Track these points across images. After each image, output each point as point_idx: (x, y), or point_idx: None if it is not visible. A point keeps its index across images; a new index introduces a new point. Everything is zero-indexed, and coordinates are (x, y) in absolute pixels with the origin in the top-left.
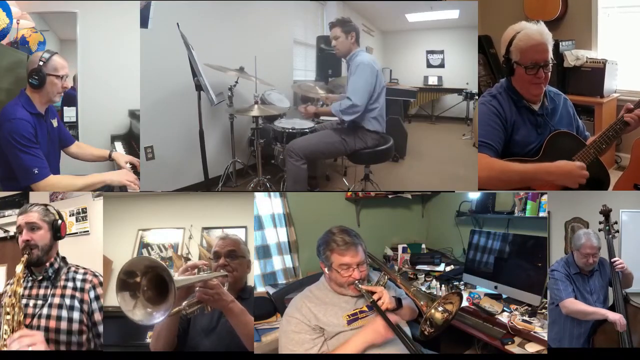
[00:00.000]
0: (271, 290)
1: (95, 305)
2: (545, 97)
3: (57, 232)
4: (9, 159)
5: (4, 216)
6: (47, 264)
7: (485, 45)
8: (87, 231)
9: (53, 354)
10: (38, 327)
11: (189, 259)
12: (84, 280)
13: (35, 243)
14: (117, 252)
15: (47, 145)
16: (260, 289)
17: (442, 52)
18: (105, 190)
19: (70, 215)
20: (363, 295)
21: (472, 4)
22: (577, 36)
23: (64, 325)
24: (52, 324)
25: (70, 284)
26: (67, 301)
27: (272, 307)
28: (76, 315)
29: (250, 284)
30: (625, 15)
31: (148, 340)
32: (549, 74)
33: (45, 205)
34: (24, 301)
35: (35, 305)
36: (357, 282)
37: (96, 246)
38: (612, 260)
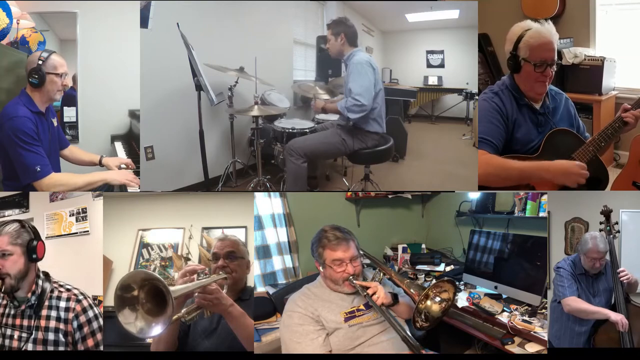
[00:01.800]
0: (271, 290)
1: (78, 335)
2: (547, 96)
3: (33, 253)
4: (11, 157)
5: (3, 216)
6: (29, 294)
7: (483, 44)
8: (87, 231)
9: (53, 354)
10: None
11: (189, 259)
12: (67, 310)
13: (6, 272)
14: (117, 252)
15: (49, 144)
16: (260, 289)
17: (442, 52)
18: (105, 190)
19: (70, 215)
20: (359, 293)
21: (472, 4)
22: (575, 34)
23: None
24: None
25: (53, 314)
26: (51, 336)
27: (272, 307)
28: (61, 349)
29: (250, 284)
30: (623, 13)
31: (148, 340)
32: (553, 72)
33: (20, 222)
34: (8, 331)
35: (20, 339)
36: (351, 277)
37: (96, 246)
38: (618, 271)
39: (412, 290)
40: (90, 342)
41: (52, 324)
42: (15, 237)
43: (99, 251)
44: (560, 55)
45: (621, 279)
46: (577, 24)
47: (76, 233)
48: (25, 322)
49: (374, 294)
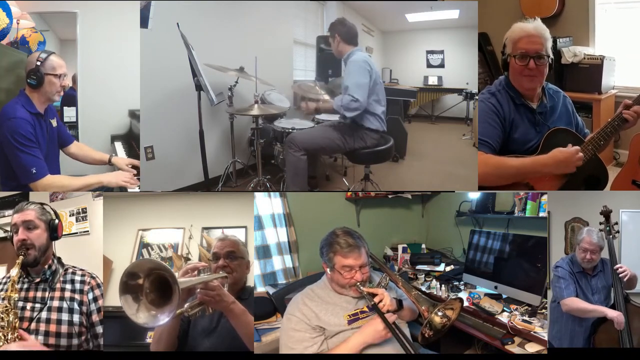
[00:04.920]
0: (271, 290)
1: (93, 306)
2: (544, 95)
3: (54, 232)
4: (9, 158)
5: (4, 216)
6: (45, 266)
7: (482, 43)
8: (87, 231)
9: (53, 354)
10: (37, 332)
11: (189, 259)
12: (82, 282)
13: (31, 243)
14: (117, 252)
15: (47, 145)
16: (260, 289)
17: (442, 52)
18: (105, 190)
19: (70, 215)
20: (364, 296)
21: (472, 4)
22: (574, 33)
23: (64, 328)
24: (53, 327)
25: (68, 286)
26: (67, 304)
27: (272, 307)
28: (76, 317)
29: (250, 284)
30: (622, 11)
31: (148, 340)
32: (543, 68)
33: (42, 204)
34: (20, 304)
35: (33, 309)
36: (358, 283)
37: (96, 246)
38: (616, 267)
39: (422, 307)
40: (101, 315)
41: (68, 294)
42: (40, 214)
43: (99, 251)
44: (559, 54)
45: (620, 275)
46: (576, 23)
47: (76, 233)
48: (39, 294)
49: (380, 301)
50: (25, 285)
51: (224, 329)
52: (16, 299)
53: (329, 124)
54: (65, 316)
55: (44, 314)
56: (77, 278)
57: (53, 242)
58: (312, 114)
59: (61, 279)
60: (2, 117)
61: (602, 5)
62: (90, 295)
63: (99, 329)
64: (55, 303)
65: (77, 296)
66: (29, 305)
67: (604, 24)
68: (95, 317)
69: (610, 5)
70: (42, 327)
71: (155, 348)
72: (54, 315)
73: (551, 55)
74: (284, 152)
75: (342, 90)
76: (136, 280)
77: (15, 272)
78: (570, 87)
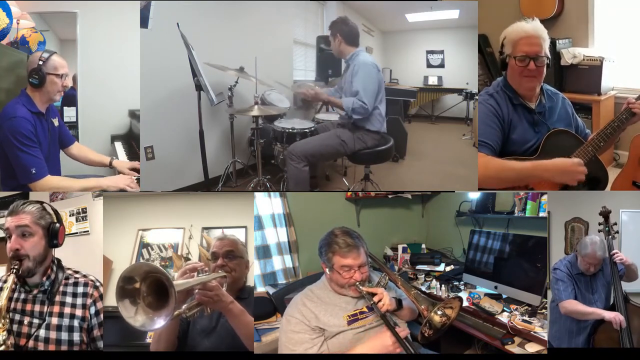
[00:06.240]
0: (271, 290)
1: (95, 321)
2: (543, 95)
3: (54, 238)
4: (9, 157)
5: (3, 216)
6: (44, 278)
7: (482, 44)
8: (87, 231)
9: (53, 354)
10: (35, 350)
11: (188, 259)
12: (85, 295)
13: (25, 253)
14: (117, 252)
15: (48, 144)
16: (260, 289)
17: (442, 52)
18: (105, 190)
19: (70, 215)
20: (363, 296)
21: (472, 4)
22: (573, 34)
23: (64, 348)
24: (52, 348)
25: (69, 299)
26: (67, 321)
27: (272, 307)
28: (76, 337)
29: (250, 284)
30: (622, 12)
31: (148, 340)
32: (543, 69)
33: (41, 203)
34: (17, 317)
35: (31, 324)
36: (357, 283)
37: (96, 246)
38: (612, 253)
39: (422, 306)
40: (102, 330)
41: (67, 310)
42: (38, 217)
43: (99, 251)
44: (559, 55)
45: (615, 260)
46: (575, 24)
47: (76, 233)
48: (37, 308)
49: (379, 300)
50: (22, 296)
51: (224, 328)
52: (5, 337)
53: (329, 126)
54: (64, 336)
55: (42, 333)
56: (80, 290)
57: (53, 249)
58: (317, 101)
59: (61, 289)
60: (3, 116)
61: (602, 6)
62: (93, 310)
63: (100, 344)
64: (55, 320)
65: (78, 312)
66: (26, 320)
67: (604, 25)
68: (96, 332)
69: (610, 6)
70: (41, 346)
71: (155, 348)
72: (53, 335)
73: (549, 56)
74: (284, 155)
75: (346, 90)
76: (133, 284)
77: (3, 300)
78: (570, 88)
